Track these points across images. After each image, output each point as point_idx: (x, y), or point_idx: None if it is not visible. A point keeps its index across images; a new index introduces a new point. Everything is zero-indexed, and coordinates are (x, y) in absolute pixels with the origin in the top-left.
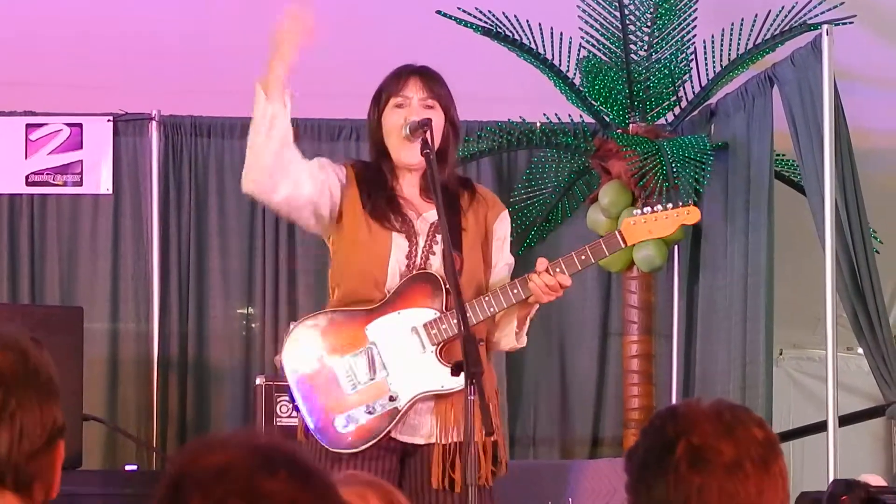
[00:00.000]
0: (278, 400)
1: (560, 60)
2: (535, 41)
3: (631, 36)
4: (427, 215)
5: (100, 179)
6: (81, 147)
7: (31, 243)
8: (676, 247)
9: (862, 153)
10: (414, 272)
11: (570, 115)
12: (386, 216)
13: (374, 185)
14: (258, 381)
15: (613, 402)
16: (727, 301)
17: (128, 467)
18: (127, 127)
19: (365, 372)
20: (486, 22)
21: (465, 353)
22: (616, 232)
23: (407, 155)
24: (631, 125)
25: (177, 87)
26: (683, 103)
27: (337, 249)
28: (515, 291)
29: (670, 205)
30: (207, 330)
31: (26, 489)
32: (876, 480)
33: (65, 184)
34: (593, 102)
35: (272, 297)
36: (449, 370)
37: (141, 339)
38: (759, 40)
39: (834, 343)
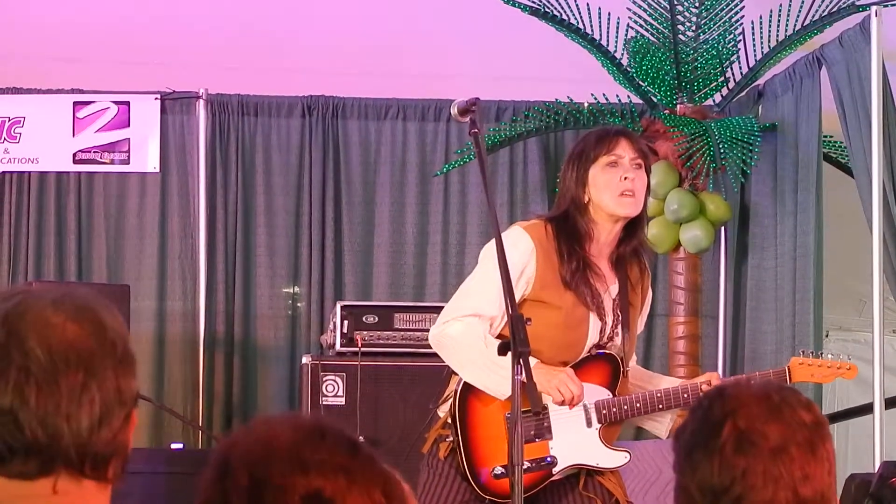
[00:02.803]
0: (324, 379)
1: (608, 41)
2: (582, 21)
3: (679, 16)
4: (612, 289)
5: (147, 158)
6: (129, 125)
7: (78, 221)
8: (723, 228)
9: None
10: (595, 352)
11: (617, 96)
12: (580, 290)
13: (568, 246)
14: (304, 359)
15: None
16: (776, 282)
17: (174, 446)
18: (174, 105)
19: (532, 431)
20: (533, 2)
21: (512, 332)
22: (786, 367)
23: (622, 206)
24: (678, 106)
25: (224, 65)
26: (731, 84)
27: (533, 310)
28: (686, 396)
29: (830, 355)
30: (253, 309)
31: (103, 471)
32: None
33: (112, 162)
34: (641, 83)
35: (318, 276)
36: (608, 450)
37: (187, 317)
38: (807, 21)
39: (880, 325)
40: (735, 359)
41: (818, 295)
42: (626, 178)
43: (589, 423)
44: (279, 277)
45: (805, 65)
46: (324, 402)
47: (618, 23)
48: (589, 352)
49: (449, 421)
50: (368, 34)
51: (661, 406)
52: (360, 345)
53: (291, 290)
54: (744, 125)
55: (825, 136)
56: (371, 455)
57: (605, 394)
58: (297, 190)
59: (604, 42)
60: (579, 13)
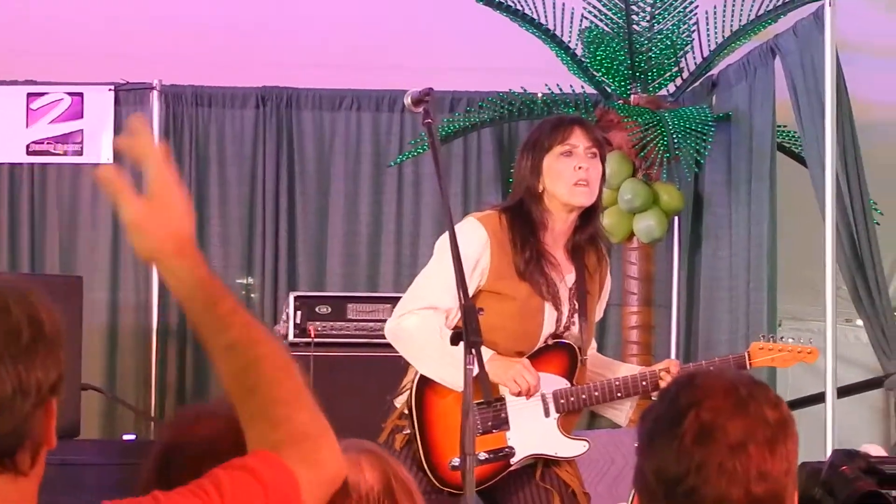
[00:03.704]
0: None
1: (562, 31)
2: (536, 11)
3: (633, 6)
4: (568, 278)
5: (101, 149)
6: (82, 116)
7: (31, 213)
8: (677, 218)
9: (863, 126)
10: (552, 342)
11: (571, 86)
12: (535, 280)
13: (522, 236)
14: None
15: None
16: (730, 271)
17: (126, 437)
18: (128, 96)
19: (489, 422)
20: None
21: (465, 322)
22: (746, 353)
23: (576, 196)
24: (632, 96)
25: (178, 56)
26: (685, 74)
27: (489, 301)
28: (644, 384)
29: (790, 339)
30: None
31: (8, 464)
32: (876, 450)
33: (65, 153)
34: (595, 73)
35: (272, 266)
36: (566, 440)
37: (140, 308)
38: (761, 11)
39: (833, 314)
40: (689, 348)
41: (772, 284)
42: (580, 168)
43: (547, 413)
44: (233, 268)
45: (759, 55)
46: None
47: (572, 13)
48: (545, 341)
49: (406, 412)
50: (322, 25)
51: (619, 394)
52: (313, 335)
53: (245, 281)
54: (698, 115)
55: (779, 126)
56: None
57: (562, 383)
58: (250, 180)
59: (558, 32)
60: (533, 3)
